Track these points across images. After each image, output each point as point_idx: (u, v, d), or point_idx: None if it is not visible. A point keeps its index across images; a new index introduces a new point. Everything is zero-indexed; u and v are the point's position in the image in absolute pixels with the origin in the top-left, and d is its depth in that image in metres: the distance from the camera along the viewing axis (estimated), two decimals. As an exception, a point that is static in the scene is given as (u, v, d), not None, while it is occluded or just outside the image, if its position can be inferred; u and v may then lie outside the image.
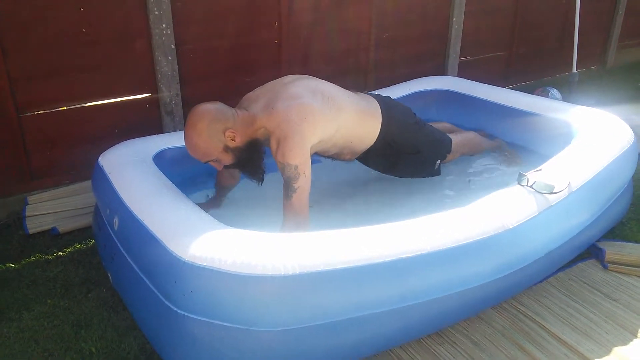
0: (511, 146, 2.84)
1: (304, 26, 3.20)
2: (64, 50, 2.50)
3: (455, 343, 1.80)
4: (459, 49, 4.00)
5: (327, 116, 2.03)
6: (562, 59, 4.66)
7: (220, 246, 1.51)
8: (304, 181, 1.90)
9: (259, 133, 1.99)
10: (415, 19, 3.70)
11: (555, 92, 3.99)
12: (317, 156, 2.29)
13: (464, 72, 4.01)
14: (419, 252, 1.61)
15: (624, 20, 5.17)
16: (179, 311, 1.53)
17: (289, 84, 2.08)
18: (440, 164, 2.53)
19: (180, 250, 1.51)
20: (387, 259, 1.56)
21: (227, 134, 1.92)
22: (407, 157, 2.41)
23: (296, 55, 3.22)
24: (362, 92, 2.38)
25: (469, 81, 3.30)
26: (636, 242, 2.37)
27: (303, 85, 2.08)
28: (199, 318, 1.51)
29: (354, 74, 3.53)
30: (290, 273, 1.46)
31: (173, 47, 2.74)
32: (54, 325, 1.89)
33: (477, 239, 1.71)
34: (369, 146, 2.28)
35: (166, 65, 2.75)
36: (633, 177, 2.48)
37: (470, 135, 2.75)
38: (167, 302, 1.56)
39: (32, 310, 1.97)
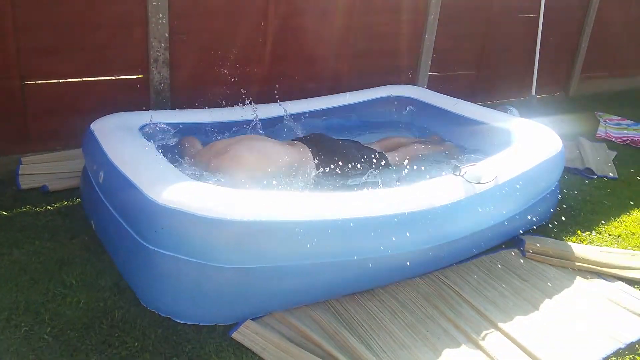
0: (461, 148, 3.20)
1: (287, 30, 3.54)
2: (70, 30, 2.81)
3: (383, 301, 2.12)
4: (429, 63, 4.37)
5: (259, 168, 2.43)
6: (526, 83, 5.06)
7: (190, 194, 1.83)
8: None
9: None
10: (389, 33, 4.07)
11: (513, 110, 4.35)
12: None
13: (433, 86, 4.35)
14: (356, 216, 1.93)
15: (587, 54, 5.61)
16: (149, 246, 1.84)
17: (232, 144, 2.51)
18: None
19: (155, 195, 1.82)
20: (328, 218, 1.88)
21: None
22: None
23: (277, 54, 3.55)
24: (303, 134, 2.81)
25: (428, 90, 3.68)
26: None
27: (243, 144, 2.51)
28: (166, 253, 1.82)
29: (330, 79, 3.86)
30: (246, 219, 1.77)
31: (167, 35, 3.06)
32: (40, 260, 2.18)
33: (408, 211, 2.04)
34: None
35: (159, 50, 3.07)
36: (561, 186, 2.83)
37: (411, 151, 3.06)
38: (140, 240, 1.87)
39: (22, 248, 2.25)
